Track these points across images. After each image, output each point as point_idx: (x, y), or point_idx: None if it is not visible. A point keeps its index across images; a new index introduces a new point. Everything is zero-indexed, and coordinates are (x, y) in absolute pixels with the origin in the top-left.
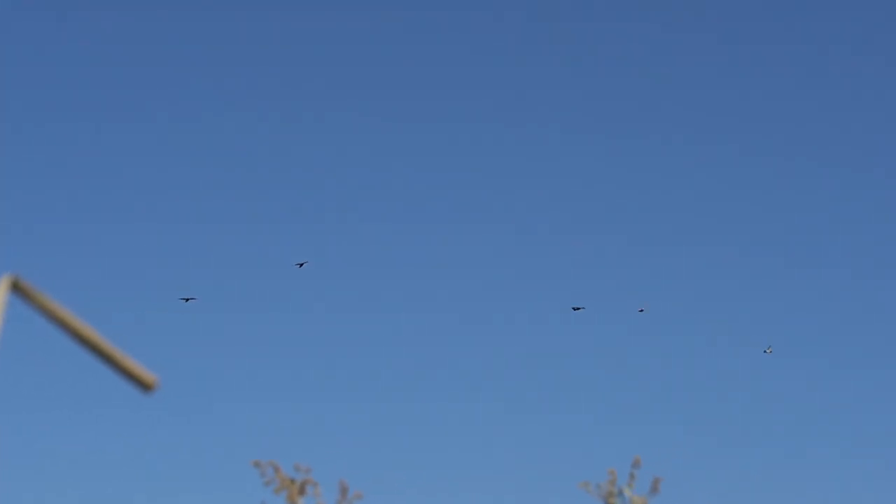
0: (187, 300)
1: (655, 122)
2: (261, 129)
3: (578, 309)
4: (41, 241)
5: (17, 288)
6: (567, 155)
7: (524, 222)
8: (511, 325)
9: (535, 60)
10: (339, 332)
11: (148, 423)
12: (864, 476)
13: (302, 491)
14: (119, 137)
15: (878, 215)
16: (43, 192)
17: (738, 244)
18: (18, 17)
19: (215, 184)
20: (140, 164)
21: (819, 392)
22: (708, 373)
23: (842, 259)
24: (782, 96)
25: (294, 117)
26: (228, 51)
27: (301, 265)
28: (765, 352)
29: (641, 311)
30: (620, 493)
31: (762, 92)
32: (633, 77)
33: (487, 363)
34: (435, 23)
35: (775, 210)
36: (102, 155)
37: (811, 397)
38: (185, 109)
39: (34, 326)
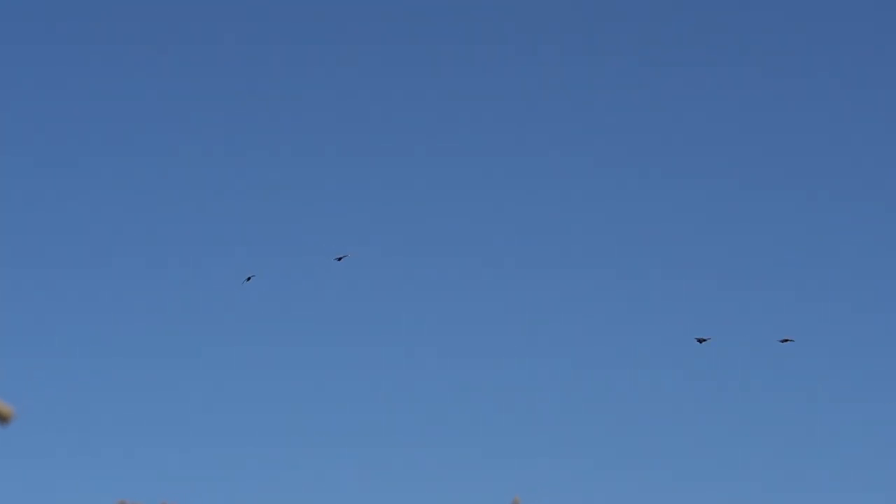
0: (248, 279)
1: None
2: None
3: (703, 341)
4: None
5: None
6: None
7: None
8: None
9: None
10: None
11: (9, 459)
12: None
13: None
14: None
15: None
16: None
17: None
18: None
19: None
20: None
21: None
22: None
23: None
24: None
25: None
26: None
27: (341, 259)
28: None
29: (786, 341)
30: None
31: None
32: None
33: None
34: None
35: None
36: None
37: None
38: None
39: None
